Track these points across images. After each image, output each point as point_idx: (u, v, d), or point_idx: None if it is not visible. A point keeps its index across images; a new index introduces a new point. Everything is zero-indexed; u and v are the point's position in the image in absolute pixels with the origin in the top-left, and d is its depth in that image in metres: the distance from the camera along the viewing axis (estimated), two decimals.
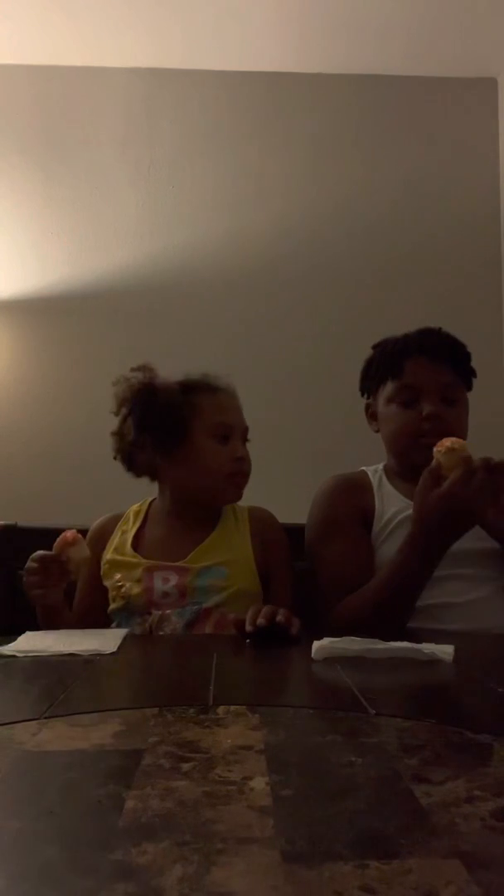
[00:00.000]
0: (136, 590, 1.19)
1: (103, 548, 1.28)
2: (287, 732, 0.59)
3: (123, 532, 1.29)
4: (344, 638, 0.88)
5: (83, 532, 1.20)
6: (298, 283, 2.54)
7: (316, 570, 1.27)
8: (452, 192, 2.59)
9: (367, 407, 1.38)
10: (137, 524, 1.30)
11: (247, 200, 2.57)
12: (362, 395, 1.40)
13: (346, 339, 2.47)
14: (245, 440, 1.29)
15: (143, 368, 1.28)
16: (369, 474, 1.35)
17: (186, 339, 2.47)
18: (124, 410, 1.27)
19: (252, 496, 1.33)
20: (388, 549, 1.22)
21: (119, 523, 1.32)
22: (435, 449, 1.09)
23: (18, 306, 2.48)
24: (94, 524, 1.35)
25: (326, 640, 0.87)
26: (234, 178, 2.57)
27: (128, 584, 1.20)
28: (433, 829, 0.41)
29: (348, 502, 1.29)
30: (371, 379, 1.35)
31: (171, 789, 0.46)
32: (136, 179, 2.55)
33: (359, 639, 0.88)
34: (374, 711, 0.64)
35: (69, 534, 1.12)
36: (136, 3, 2.27)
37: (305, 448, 2.40)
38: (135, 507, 1.35)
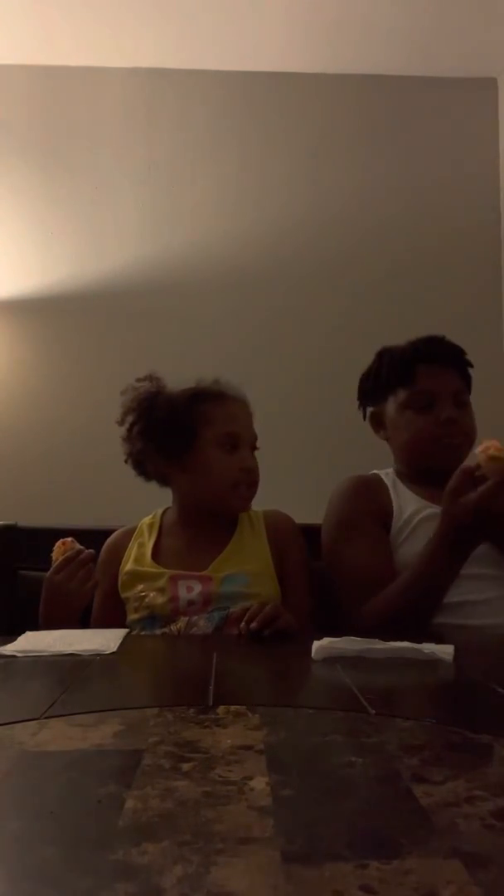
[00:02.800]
0: (160, 599, 1.19)
1: (119, 562, 1.27)
2: (287, 732, 0.59)
3: (140, 544, 1.28)
4: (344, 638, 0.88)
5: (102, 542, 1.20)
6: (299, 281, 2.54)
7: (336, 572, 1.27)
8: (452, 192, 2.59)
9: (373, 415, 1.39)
10: (154, 536, 1.29)
11: (247, 200, 2.57)
12: (362, 404, 1.41)
13: (347, 337, 2.47)
14: (254, 449, 1.28)
15: (149, 378, 1.29)
16: (382, 476, 1.36)
17: (187, 339, 2.47)
18: (130, 419, 1.27)
19: (255, 498, 1.33)
20: (409, 548, 1.23)
21: (133, 536, 1.31)
22: (478, 451, 1.09)
23: (19, 306, 2.48)
24: (106, 541, 1.33)
25: (326, 640, 0.87)
26: (233, 179, 2.57)
27: (152, 594, 1.20)
28: (433, 829, 0.41)
29: (367, 502, 1.30)
30: (378, 387, 1.37)
31: (171, 789, 0.46)
32: (136, 179, 2.55)
33: (359, 639, 0.88)
34: (374, 711, 0.64)
35: (66, 542, 1.15)
36: (136, 3, 2.27)
37: (306, 449, 2.40)
38: (146, 519, 1.34)
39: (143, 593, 1.21)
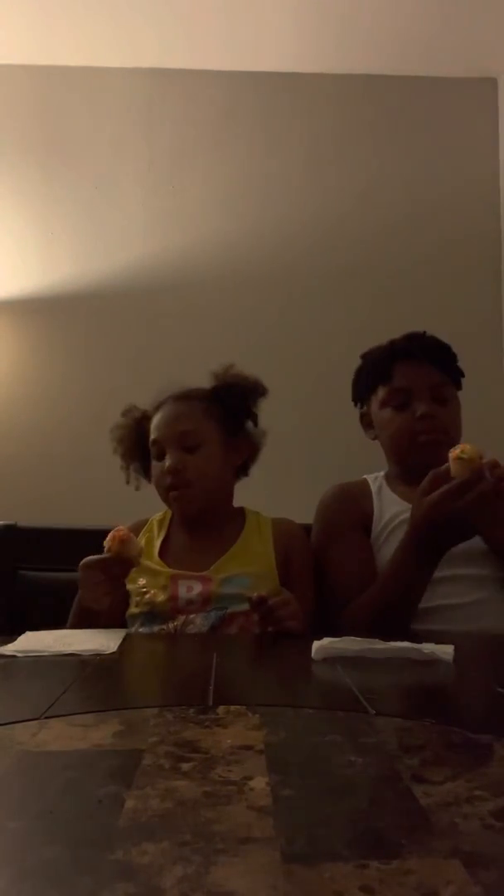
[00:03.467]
0: (161, 597, 1.21)
1: None
2: (287, 732, 0.59)
3: (149, 539, 1.31)
4: (344, 638, 0.88)
5: (100, 532, 1.18)
6: (299, 281, 2.54)
7: (322, 576, 1.28)
8: (452, 192, 2.59)
9: (362, 416, 1.40)
10: (163, 533, 1.32)
11: (247, 200, 2.57)
12: (355, 404, 1.41)
13: (347, 337, 2.47)
14: (185, 447, 1.26)
15: (128, 411, 1.37)
16: (370, 481, 1.36)
17: (187, 339, 2.47)
18: (120, 450, 1.37)
19: (248, 497, 1.33)
20: (387, 551, 1.22)
21: (143, 530, 1.33)
22: (450, 453, 1.08)
23: (20, 306, 2.48)
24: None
25: (326, 640, 0.87)
26: (234, 178, 2.57)
27: (153, 591, 1.22)
28: (433, 829, 0.41)
29: (347, 509, 1.31)
30: (362, 387, 1.37)
31: (171, 789, 0.46)
32: (136, 179, 2.55)
33: (359, 639, 0.88)
34: (374, 711, 0.64)
35: (120, 532, 1.09)
36: (137, 3, 2.27)
37: (307, 449, 2.40)
38: (157, 516, 1.36)
39: (145, 589, 1.22)
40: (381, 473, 1.38)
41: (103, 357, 2.48)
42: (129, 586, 1.25)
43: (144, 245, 2.53)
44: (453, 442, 1.28)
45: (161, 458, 1.27)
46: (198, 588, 1.20)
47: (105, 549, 1.08)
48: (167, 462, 1.25)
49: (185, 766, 0.50)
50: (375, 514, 1.29)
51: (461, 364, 1.34)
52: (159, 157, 2.57)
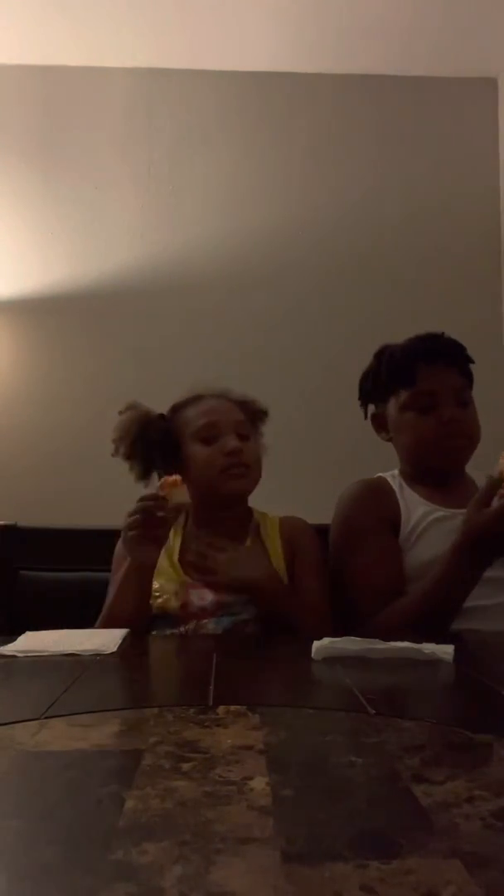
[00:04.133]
0: (173, 603, 1.20)
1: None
2: (287, 732, 0.59)
3: (173, 534, 1.29)
4: (344, 638, 0.88)
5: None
6: (299, 281, 2.54)
7: (346, 578, 1.25)
8: (452, 192, 2.59)
9: (374, 417, 1.37)
10: (180, 534, 1.30)
11: (246, 200, 2.57)
12: (363, 404, 1.39)
13: (346, 337, 2.47)
14: (240, 434, 1.28)
15: (130, 408, 1.33)
16: (389, 479, 1.34)
17: (186, 339, 2.47)
18: (122, 449, 1.31)
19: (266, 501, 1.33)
20: (418, 553, 1.22)
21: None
22: (501, 459, 1.07)
23: (19, 306, 2.48)
24: None
25: (326, 640, 0.87)
26: (233, 178, 2.57)
27: (165, 596, 1.21)
28: (433, 829, 0.41)
29: (376, 508, 1.28)
30: (378, 388, 1.34)
31: (171, 789, 0.46)
32: (136, 179, 2.55)
33: (359, 639, 0.88)
34: (374, 711, 0.64)
35: (172, 478, 1.12)
36: (136, 3, 2.27)
37: (308, 448, 2.40)
38: None
39: (158, 593, 1.22)
40: (396, 472, 1.36)
41: (102, 357, 2.48)
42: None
43: (143, 245, 2.53)
44: (476, 445, 1.28)
45: (212, 442, 1.25)
46: (209, 596, 1.20)
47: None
48: (228, 443, 1.24)
49: (185, 766, 0.50)
50: (403, 514, 1.27)
51: None
52: (158, 157, 2.57)
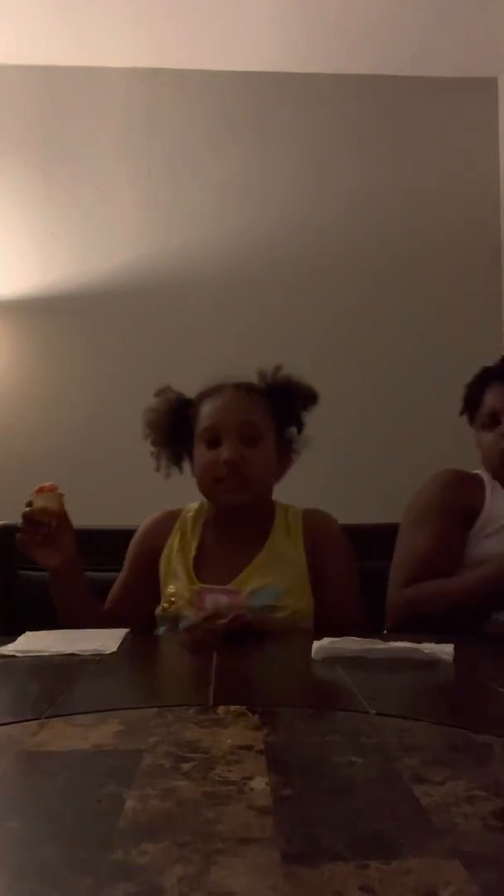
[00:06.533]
0: (188, 610, 1.17)
1: (161, 544, 1.26)
2: (287, 732, 0.59)
3: (183, 536, 1.26)
4: (344, 638, 0.88)
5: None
6: (298, 281, 2.54)
7: (398, 550, 1.29)
8: (452, 192, 2.59)
9: (478, 441, 1.42)
10: (198, 533, 1.26)
11: (246, 200, 2.57)
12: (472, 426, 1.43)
13: (346, 338, 2.47)
14: (247, 437, 1.21)
15: (163, 391, 1.30)
16: (484, 476, 1.37)
17: (186, 339, 2.47)
18: (151, 436, 1.29)
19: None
20: (489, 545, 1.25)
21: (177, 523, 1.29)
22: None
23: (19, 306, 2.48)
24: (149, 520, 1.32)
25: (326, 640, 0.87)
26: (233, 179, 2.57)
27: (181, 602, 1.18)
28: (433, 829, 0.41)
29: (457, 494, 1.32)
30: (468, 416, 1.40)
31: (171, 789, 0.46)
32: (136, 179, 2.55)
33: (359, 639, 0.88)
34: (374, 711, 0.64)
35: (48, 484, 1.14)
36: (136, 3, 2.27)
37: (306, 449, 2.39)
38: (193, 507, 1.31)
39: (174, 598, 1.19)
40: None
41: (102, 357, 2.48)
42: (162, 587, 1.23)
43: (143, 245, 2.53)
44: None
45: (214, 445, 1.20)
46: (225, 601, 1.16)
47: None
48: (225, 452, 1.18)
49: (185, 766, 0.50)
50: (486, 508, 1.30)
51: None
52: (158, 157, 2.57)
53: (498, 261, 2.59)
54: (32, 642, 0.96)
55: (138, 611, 1.23)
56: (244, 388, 1.26)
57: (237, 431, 1.20)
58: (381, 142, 2.61)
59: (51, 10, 2.28)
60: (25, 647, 0.93)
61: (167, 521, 1.30)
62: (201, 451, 1.22)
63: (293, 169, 2.59)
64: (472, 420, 1.39)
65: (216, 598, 1.17)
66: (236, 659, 0.95)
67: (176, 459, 1.28)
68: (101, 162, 2.55)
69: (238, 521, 1.25)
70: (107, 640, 0.96)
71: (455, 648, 0.85)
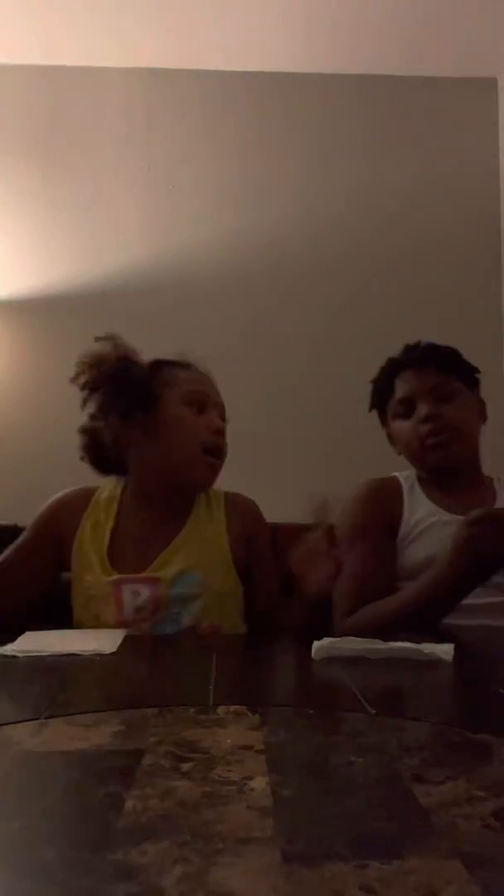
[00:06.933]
0: (104, 609, 1.11)
1: (70, 532, 1.18)
2: (287, 732, 0.59)
3: (96, 524, 1.18)
4: (344, 638, 0.88)
5: None
6: (298, 281, 2.54)
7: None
8: (452, 192, 2.59)
9: (388, 436, 1.40)
10: (111, 520, 1.19)
11: (246, 200, 2.57)
12: (382, 425, 1.41)
13: (346, 338, 2.47)
14: (223, 419, 1.20)
15: (111, 337, 1.24)
16: (401, 480, 1.35)
17: (186, 339, 2.46)
18: (85, 378, 1.24)
19: (254, 495, 1.32)
20: (413, 551, 1.23)
21: (89, 505, 1.22)
22: None
23: (19, 306, 2.48)
24: (57, 501, 1.25)
25: (326, 641, 0.87)
26: (233, 179, 2.57)
27: (97, 598, 1.12)
28: (433, 829, 0.41)
29: (377, 508, 1.30)
30: (378, 409, 1.39)
31: (171, 789, 0.46)
32: (136, 180, 2.55)
33: (359, 639, 0.88)
34: (374, 711, 0.64)
35: None
36: (136, 3, 2.27)
37: (305, 448, 2.40)
38: (106, 491, 1.24)
39: (93, 591, 1.13)
40: (413, 472, 1.37)
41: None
42: (76, 580, 1.16)
43: (142, 245, 2.53)
44: (466, 436, 1.29)
45: (201, 413, 1.18)
46: (145, 592, 1.10)
47: None
48: (214, 420, 1.17)
49: (185, 766, 0.50)
50: (405, 515, 1.28)
51: None
52: (158, 157, 2.57)
53: (498, 261, 2.59)
54: (32, 642, 0.96)
55: (17, 596, 1.15)
56: (209, 373, 1.29)
57: (219, 410, 1.23)
58: (381, 141, 2.61)
59: (51, 10, 2.28)
60: (25, 647, 0.93)
61: (78, 504, 1.22)
62: (185, 413, 1.18)
63: (293, 169, 2.59)
64: (382, 416, 1.37)
65: (135, 588, 1.11)
66: (236, 659, 0.95)
67: (129, 421, 1.19)
68: (101, 162, 2.55)
69: (161, 503, 1.19)
70: (107, 640, 0.96)
71: (455, 648, 0.85)
